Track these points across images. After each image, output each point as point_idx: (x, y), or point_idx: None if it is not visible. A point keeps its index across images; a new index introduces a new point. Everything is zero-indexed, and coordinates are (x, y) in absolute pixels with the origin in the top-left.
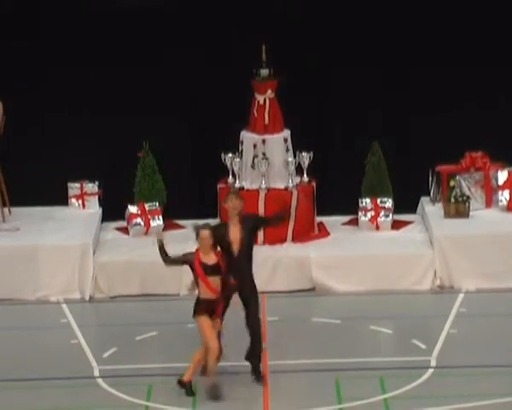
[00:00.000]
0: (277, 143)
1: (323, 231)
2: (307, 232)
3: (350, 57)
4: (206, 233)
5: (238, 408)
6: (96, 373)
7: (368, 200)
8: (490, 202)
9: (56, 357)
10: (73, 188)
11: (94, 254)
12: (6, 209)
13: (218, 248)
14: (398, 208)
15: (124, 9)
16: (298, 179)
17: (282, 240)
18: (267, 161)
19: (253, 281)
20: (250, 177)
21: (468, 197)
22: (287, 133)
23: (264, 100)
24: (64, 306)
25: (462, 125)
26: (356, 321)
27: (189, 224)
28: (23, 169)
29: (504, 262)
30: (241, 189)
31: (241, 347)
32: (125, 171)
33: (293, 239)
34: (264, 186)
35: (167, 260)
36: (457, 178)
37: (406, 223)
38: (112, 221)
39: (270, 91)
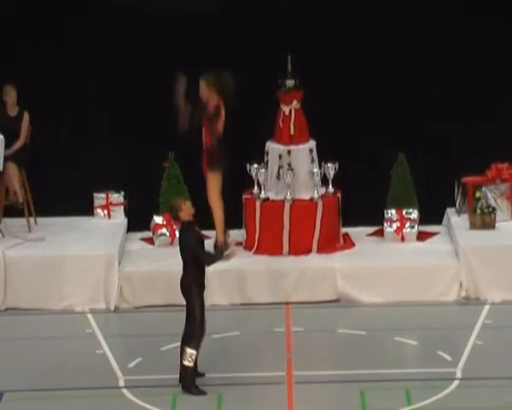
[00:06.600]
0: (303, 153)
1: (349, 242)
2: (332, 243)
3: (375, 69)
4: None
5: None
6: (122, 383)
7: (393, 211)
8: None
9: (81, 367)
10: (99, 198)
11: (119, 264)
12: (32, 219)
13: None
14: (423, 219)
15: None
16: (323, 190)
17: (307, 251)
18: (292, 171)
19: None
20: (275, 187)
21: (494, 209)
22: (312, 144)
23: (290, 111)
24: (89, 316)
25: (488, 136)
26: (381, 332)
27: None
28: (49, 179)
29: None
30: (267, 199)
31: (267, 358)
32: (150, 181)
33: (319, 250)
34: (289, 197)
35: None
36: (483, 189)
37: (432, 234)
38: (137, 232)
39: (295, 102)
